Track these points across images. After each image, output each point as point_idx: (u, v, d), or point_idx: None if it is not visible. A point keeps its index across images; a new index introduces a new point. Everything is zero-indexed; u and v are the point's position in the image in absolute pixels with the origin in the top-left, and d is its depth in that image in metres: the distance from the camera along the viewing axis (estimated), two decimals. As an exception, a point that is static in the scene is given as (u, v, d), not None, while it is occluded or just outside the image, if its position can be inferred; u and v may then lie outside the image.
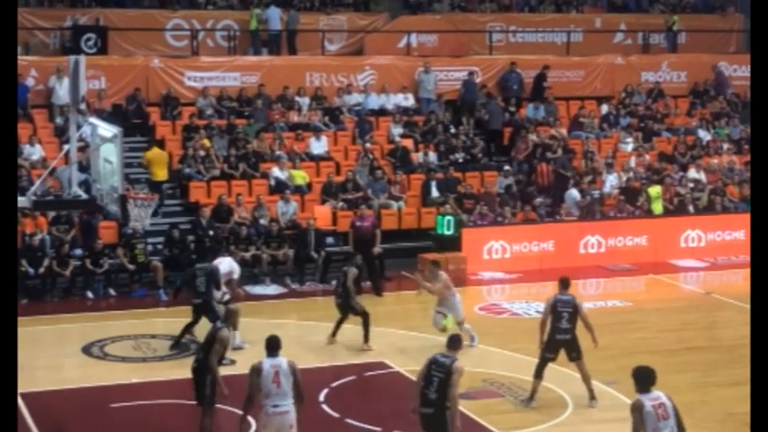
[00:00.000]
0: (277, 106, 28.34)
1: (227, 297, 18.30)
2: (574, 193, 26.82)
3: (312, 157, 27.10)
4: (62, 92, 25.01)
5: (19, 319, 18.31)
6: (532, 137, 28.54)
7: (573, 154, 28.35)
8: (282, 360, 12.13)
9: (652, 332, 20.13)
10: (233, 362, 16.32)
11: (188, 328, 18.30)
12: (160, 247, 23.23)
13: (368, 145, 27.42)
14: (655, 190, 27.20)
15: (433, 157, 27.69)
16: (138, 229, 21.99)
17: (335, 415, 15.24)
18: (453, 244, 24.82)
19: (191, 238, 23.45)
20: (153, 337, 19.00)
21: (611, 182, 27.63)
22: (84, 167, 17.74)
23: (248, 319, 18.61)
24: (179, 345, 18.30)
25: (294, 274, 23.57)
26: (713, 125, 31.45)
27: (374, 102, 29.57)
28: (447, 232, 24.92)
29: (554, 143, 28.12)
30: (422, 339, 18.71)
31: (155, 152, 25.35)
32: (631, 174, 27.87)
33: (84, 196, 15.22)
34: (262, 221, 24.23)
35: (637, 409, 10.85)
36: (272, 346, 12.20)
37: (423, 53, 31.13)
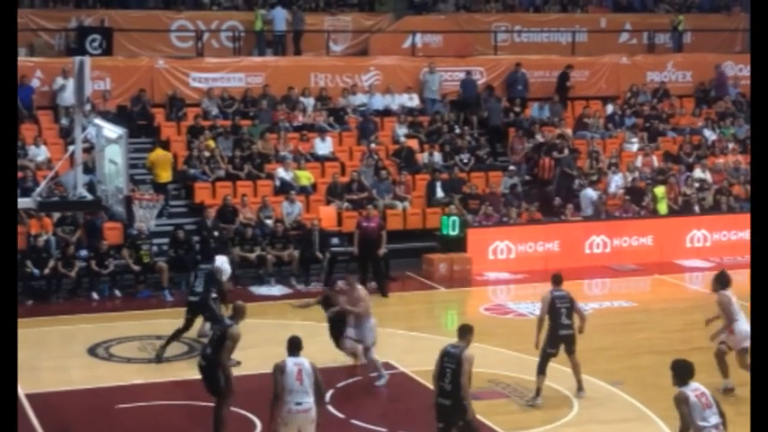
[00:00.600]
0: (282, 107, 28.32)
1: (212, 295, 18.30)
2: (590, 192, 26.78)
3: (317, 158, 27.09)
4: (67, 93, 25.03)
5: (24, 320, 18.47)
6: (538, 136, 28.53)
7: (578, 154, 28.32)
8: (304, 359, 12.45)
9: (657, 332, 20.06)
10: (238, 363, 16.33)
11: (178, 334, 18.07)
12: (165, 247, 23.24)
13: (373, 145, 27.42)
14: (660, 190, 27.18)
15: (437, 157, 27.67)
16: (143, 230, 22.00)
17: (341, 415, 15.22)
18: (458, 244, 24.79)
19: (196, 238, 23.44)
20: (158, 338, 18.95)
21: (617, 182, 27.60)
22: (89, 169, 17.75)
23: (253, 320, 18.47)
24: (165, 348, 17.97)
25: (299, 274, 23.55)
26: (719, 125, 31.41)
27: (379, 102, 29.56)
28: (452, 233, 24.88)
29: (561, 142, 28.09)
30: (427, 340, 18.68)
31: (158, 153, 25.33)
32: (637, 174, 27.84)
33: (90, 197, 15.23)
34: (267, 222, 24.22)
35: (683, 401, 10.99)
36: (294, 345, 12.55)
37: (428, 53, 31.12)
